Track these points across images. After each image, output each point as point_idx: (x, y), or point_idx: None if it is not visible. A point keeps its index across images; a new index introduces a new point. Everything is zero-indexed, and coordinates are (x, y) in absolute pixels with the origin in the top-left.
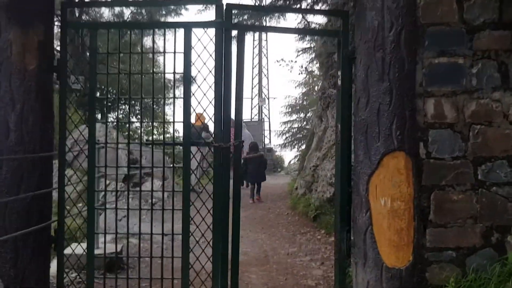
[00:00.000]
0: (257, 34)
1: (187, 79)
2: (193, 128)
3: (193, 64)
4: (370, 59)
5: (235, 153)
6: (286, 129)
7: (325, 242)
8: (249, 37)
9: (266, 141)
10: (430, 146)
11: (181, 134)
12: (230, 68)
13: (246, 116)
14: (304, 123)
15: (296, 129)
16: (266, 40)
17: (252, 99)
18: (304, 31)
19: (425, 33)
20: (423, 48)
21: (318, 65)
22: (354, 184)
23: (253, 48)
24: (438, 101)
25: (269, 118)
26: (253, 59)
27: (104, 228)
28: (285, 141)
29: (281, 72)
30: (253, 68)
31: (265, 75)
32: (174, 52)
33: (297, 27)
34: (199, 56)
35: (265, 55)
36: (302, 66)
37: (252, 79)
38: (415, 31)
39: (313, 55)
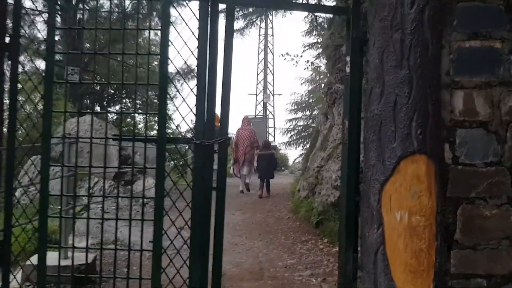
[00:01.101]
0: (263, 30)
1: (164, 62)
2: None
3: (172, 44)
4: (386, 41)
5: (220, 152)
6: (291, 127)
7: (328, 253)
8: (254, 31)
9: (270, 138)
10: (458, 149)
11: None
12: (216, 49)
13: (250, 112)
14: (310, 121)
15: (301, 127)
16: (272, 35)
17: (256, 95)
18: (309, 8)
19: (454, 10)
20: (451, 28)
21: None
22: (364, 192)
23: (258, 43)
24: (468, 93)
25: (273, 115)
26: (258, 54)
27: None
28: (290, 139)
29: (287, 68)
30: (258, 64)
31: (270, 71)
32: (149, 29)
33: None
34: (179, 34)
35: (270, 50)
36: (308, 61)
37: (257, 75)
38: (441, 8)
39: (320, 51)
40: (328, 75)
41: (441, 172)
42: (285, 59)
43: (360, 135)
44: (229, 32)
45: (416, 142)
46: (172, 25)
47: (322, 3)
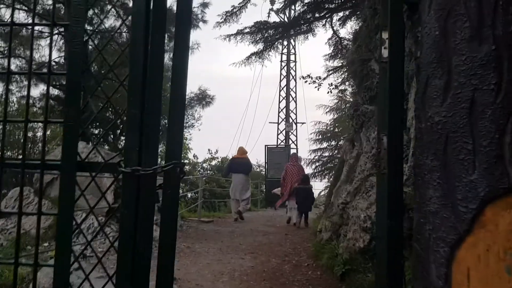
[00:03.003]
0: (285, 56)
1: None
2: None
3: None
4: None
5: (167, 186)
6: (316, 157)
7: None
8: (276, 57)
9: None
10: None
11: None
12: (160, 29)
13: (271, 142)
14: (336, 151)
15: (326, 158)
16: (295, 61)
17: (278, 124)
18: None
19: None
20: None
21: (350, 79)
22: (418, 260)
23: (280, 69)
24: None
25: (296, 145)
26: (280, 81)
27: None
28: (315, 171)
29: (310, 96)
30: (279, 91)
31: (293, 99)
32: None
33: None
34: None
35: (293, 76)
36: (331, 84)
37: (279, 102)
38: None
39: (345, 75)
40: (352, 95)
41: None
42: (306, 81)
43: (402, 159)
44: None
45: None
46: None
47: None
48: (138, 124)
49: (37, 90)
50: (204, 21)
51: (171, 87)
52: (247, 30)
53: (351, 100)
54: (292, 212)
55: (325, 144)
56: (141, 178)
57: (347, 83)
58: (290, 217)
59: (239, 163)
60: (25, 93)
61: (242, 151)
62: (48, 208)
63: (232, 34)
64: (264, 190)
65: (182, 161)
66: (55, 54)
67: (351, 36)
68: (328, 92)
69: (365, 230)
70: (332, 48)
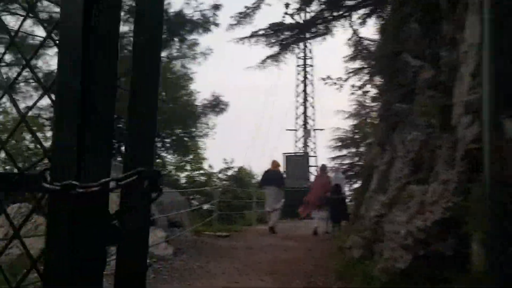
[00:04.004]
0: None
1: None
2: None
3: None
4: None
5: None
6: (336, 165)
7: None
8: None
9: (312, 178)
10: None
11: None
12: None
13: (289, 149)
14: (356, 158)
15: (347, 166)
16: (312, 65)
17: (296, 130)
18: None
19: None
20: None
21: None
22: None
23: (297, 74)
24: None
25: (315, 153)
26: (296, 86)
27: None
28: None
29: (329, 102)
30: (297, 96)
31: (310, 104)
32: None
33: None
34: None
35: (310, 81)
36: (354, 86)
37: (296, 108)
38: None
39: (366, 78)
40: (381, 94)
41: None
42: (326, 83)
43: None
44: None
45: None
46: None
47: None
48: (75, 110)
49: (44, 101)
50: (216, 24)
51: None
52: (262, 32)
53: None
54: (319, 223)
55: (345, 151)
56: (80, 199)
57: (368, 86)
58: (316, 228)
59: (272, 175)
60: (30, 103)
61: (275, 164)
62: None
63: (246, 37)
64: (283, 200)
65: (152, 169)
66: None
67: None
68: (350, 94)
69: (406, 248)
70: (352, 49)
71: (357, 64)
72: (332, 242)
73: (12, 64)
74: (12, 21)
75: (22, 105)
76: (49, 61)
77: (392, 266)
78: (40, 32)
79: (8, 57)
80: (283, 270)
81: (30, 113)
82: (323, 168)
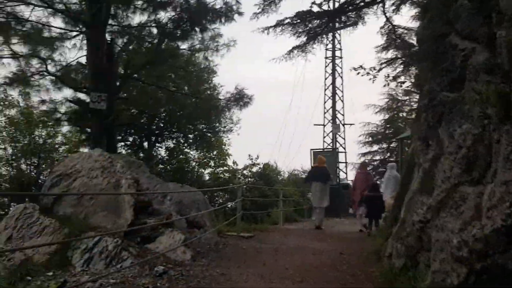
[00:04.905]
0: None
1: None
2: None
3: None
4: None
5: None
6: (366, 161)
7: None
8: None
9: (342, 175)
10: None
11: None
12: None
13: (317, 145)
14: (388, 154)
15: (378, 162)
16: (341, 57)
17: (324, 126)
18: None
19: None
20: None
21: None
22: None
23: (325, 67)
24: None
25: (344, 148)
26: (325, 79)
27: None
28: None
29: (359, 95)
30: (325, 90)
31: (339, 98)
32: None
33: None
34: None
35: (339, 74)
36: (388, 76)
37: (324, 102)
38: None
39: (400, 69)
40: (421, 82)
41: None
42: (358, 73)
43: None
44: None
45: None
46: None
47: None
48: None
49: (60, 94)
50: (240, 13)
51: None
52: (288, 20)
53: (407, 95)
54: (362, 220)
55: (375, 147)
56: None
57: (402, 77)
58: (365, 224)
59: (317, 172)
60: (46, 97)
61: (321, 160)
62: (55, 228)
63: (271, 26)
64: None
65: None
66: (78, 54)
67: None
68: (384, 85)
69: (460, 260)
70: (385, 38)
71: (390, 54)
72: (365, 244)
73: (27, 56)
74: (26, 12)
75: (36, 99)
76: (68, 53)
77: (443, 280)
78: (56, 23)
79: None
80: (313, 277)
81: (45, 108)
82: (364, 165)
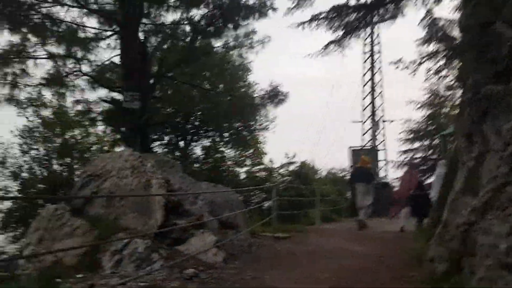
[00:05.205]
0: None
1: None
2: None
3: None
4: None
5: None
6: (407, 159)
7: None
8: (357, 45)
9: (381, 173)
10: None
11: None
12: None
13: (356, 143)
14: (430, 152)
15: (419, 160)
16: (380, 52)
17: (363, 122)
18: None
19: None
20: None
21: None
22: None
23: (363, 62)
24: None
25: (384, 146)
26: (363, 75)
27: None
28: None
29: (398, 91)
30: (363, 86)
31: (378, 94)
32: None
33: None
34: None
35: (378, 69)
36: (429, 70)
37: (363, 99)
38: None
39: (442, 62)
40: (464, 76)
41: None
42: (397, 67)
43: None
44: None
45: None
46: None
47: None
48: None
49: (95, 94)
50: (274, 9)
51: None
52: (324, 15)
53: (450, 90)
54: (405, 220)
55: (417, 144)
56: None
57: (445, 71)
58: (403, 226)
59: (361, 172)
60: (81, 97)
61: (365, 160)
62: (86, 230)
63: (305, 21)
64: (350, 197)
65: None
66: (112, 53)
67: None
68: (425, 80)
69: (509, 267)
70: (425, 31)
71: (431, 47)
72: (406, 246)
73: (62, 57)
74: (61, 13)
75: (71, 99)
76: (102, 53)
77: None
78: (90, 24)
79: (58, 50)
80: (351, 283)
81: (80, 107)
82: (412, 164)
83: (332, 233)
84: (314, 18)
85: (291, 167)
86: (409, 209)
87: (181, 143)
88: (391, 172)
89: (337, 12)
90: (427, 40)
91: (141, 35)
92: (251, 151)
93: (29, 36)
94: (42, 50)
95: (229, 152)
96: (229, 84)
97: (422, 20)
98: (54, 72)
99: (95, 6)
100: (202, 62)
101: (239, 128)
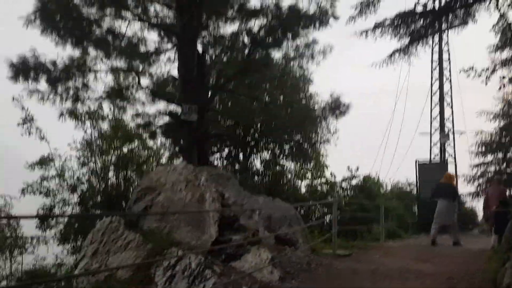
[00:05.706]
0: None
1: None
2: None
3: None
4: None
5: None
6: (479, 173)
7: None
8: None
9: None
10: None
11: None
12: None
13: (423, 155)
14: (504, 165)
15: (492, 173)
16: (449, 59)
17: (431, 134)
18: None
19: None
20: None
21: None
22: None
23: (431, 71)
24: None
25: (454, 159)
26: (431, 84)
27: None
28: (478, 189)
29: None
30: (432, 96)
31: (448, 104)
32: None
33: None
34: None
35: (447, 78)
36: (504, 77)
37: (431, 109)
38: None
39: None
40: None
41: None
42: (468, 75)
43: None
44: None
45: None
46: None
47: None
48: None
49: (154, 108)
50: (335, 17)
51: None
52: (388, 22)
53: None
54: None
55: (490, 157)
56: None
57: None
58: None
59: (444, 188)
60: (141, 110)
61: (448, 176)
62: (139, 243)
63: (369, 29)
64: (416, 213)
65: None
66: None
67: None
68: (499, 88)
69: None
70: (499, 37)
71: (505, 54)
72: (477, 267)
73: (123, 71)
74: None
75: (131, 112)
76: (162, 67)
77: None
78: (151, 37)
79: (119, 64)
80: None
81: (140, 121)
82: (498, 179)
83: (397, 251)
84: (378, 25)
85: (354, 181)
86: (494, 225)
87: (241, 156)
88: (462, 186)
89: (403, 18)
90: (500, 47)
91: (199, 48)
92: (312, 164)
93: (90, 50)
94: (103, 64)
95: (289, 165)
96: (289, 96)
97: (495, 25)
98: (114, 86)
99: (155, 20)
100: (261, 74)
101: (300, 141)
